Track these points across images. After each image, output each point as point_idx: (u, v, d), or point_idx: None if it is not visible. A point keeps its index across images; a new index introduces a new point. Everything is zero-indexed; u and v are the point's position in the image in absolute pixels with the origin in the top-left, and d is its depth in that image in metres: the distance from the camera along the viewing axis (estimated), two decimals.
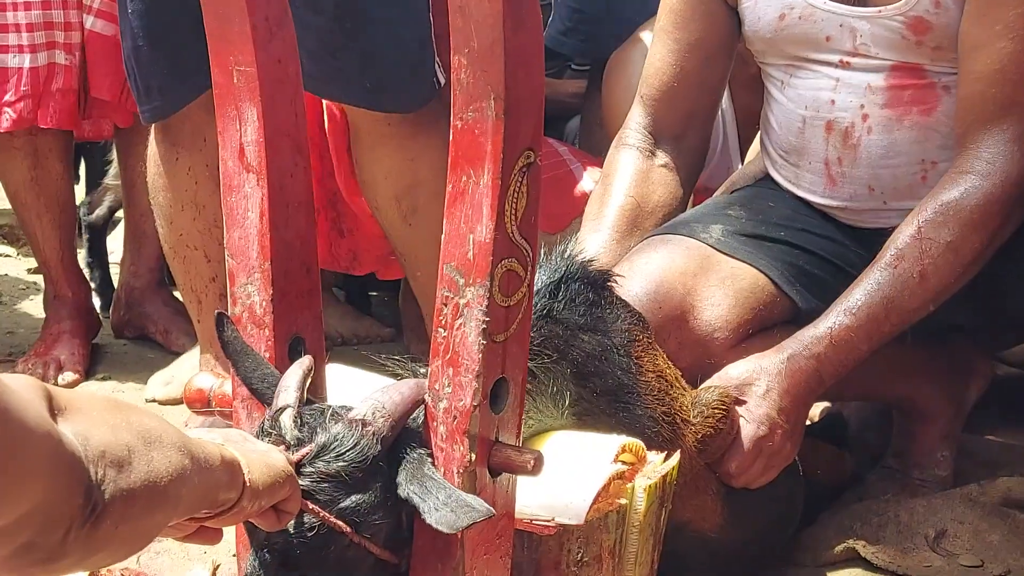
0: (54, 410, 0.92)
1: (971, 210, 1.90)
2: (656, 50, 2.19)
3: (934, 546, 2.09)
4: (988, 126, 1.92)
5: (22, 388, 0.88)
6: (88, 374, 3.36)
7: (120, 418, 0.99)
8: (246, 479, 1.15)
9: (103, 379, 3.34)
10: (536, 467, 1.34)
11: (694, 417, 1.80)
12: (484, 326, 1.30)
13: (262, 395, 1.40)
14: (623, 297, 1.83)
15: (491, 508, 1.29)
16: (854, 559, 2.08)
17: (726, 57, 2.18)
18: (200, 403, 1.57)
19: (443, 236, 1.31)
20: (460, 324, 1.31)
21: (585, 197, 2.86)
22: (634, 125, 2.20)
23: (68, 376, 3.26)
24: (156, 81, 2.51)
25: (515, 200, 1.29)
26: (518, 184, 1.29)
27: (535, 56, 1.27)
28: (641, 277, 1.98)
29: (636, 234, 2.12)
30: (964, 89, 1.95)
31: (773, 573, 2.04)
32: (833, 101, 2.07)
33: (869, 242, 2.07)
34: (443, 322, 1.32)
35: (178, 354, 3.37)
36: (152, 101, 2.54)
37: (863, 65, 2.05)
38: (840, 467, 2.30)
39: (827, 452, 2.26)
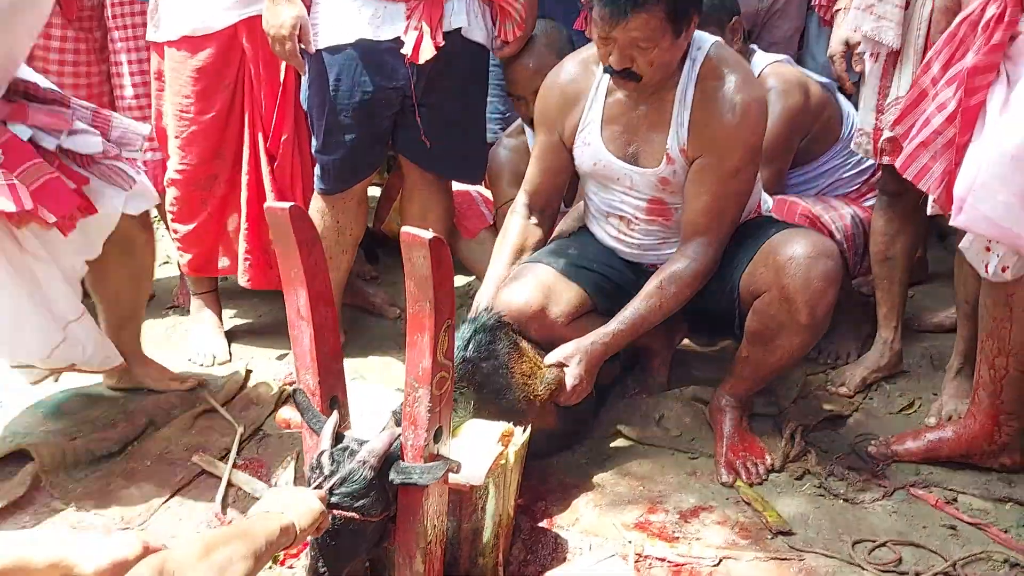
0: None
1: (685, 277, 1.97)
2: (531, 166, 2.18)
3: (658, 423, 2.20)
4: (696, 236, 1.99)
5: (144, 570, 0.90)
6: None
7: (205, 564, 1.00)
8: (297, 530, 1.20)
9: None
10: (457, 469, 1.41)
11: (541, 390, 1.86)
12: (428, 405, 1.35)
13: (316, 429, 1.44)
14: (511, 303, 1.91)
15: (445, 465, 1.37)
16: (617, 435, 2.16)
17: (567, 172, 2.15)
18: (286, 425, 1.59)
19: (407, 361, 1.34)
20: (417, 405, 1.35)
21: (484, 217, 2.79)
22: (520, 202, 2.19)
23: None
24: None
25: (442, 344, 1.32)
26: (443, 337, 1.32)
27: (447, 279, 1.29)
28: (521, 293, 2.01)
29: (522, 257, 2.14)
30: (685, 216, 2.01)
31: (577, 443, 2.12)
32: (621, 205, 2.10)
33: (636, 270, 2.13)
34: (409, 403, 1.36)
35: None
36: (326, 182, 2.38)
37: (635, 195, 2.07)
38: (611, 372, 2.31)
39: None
